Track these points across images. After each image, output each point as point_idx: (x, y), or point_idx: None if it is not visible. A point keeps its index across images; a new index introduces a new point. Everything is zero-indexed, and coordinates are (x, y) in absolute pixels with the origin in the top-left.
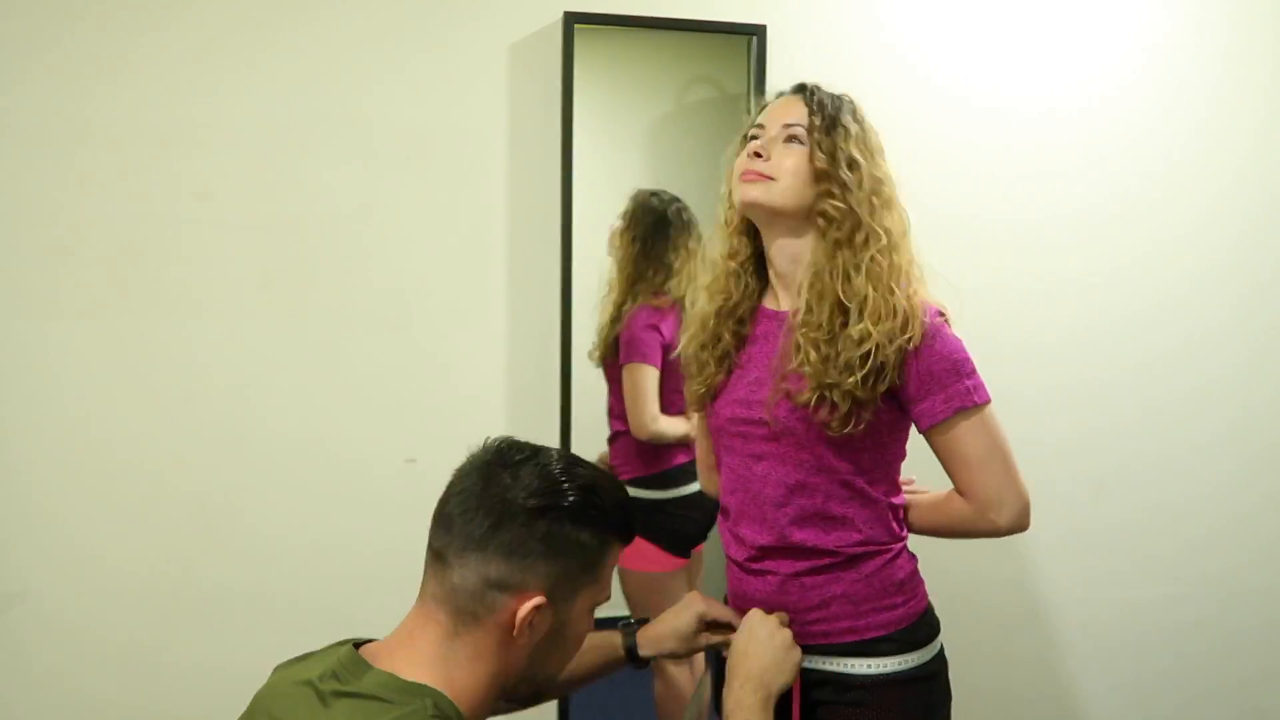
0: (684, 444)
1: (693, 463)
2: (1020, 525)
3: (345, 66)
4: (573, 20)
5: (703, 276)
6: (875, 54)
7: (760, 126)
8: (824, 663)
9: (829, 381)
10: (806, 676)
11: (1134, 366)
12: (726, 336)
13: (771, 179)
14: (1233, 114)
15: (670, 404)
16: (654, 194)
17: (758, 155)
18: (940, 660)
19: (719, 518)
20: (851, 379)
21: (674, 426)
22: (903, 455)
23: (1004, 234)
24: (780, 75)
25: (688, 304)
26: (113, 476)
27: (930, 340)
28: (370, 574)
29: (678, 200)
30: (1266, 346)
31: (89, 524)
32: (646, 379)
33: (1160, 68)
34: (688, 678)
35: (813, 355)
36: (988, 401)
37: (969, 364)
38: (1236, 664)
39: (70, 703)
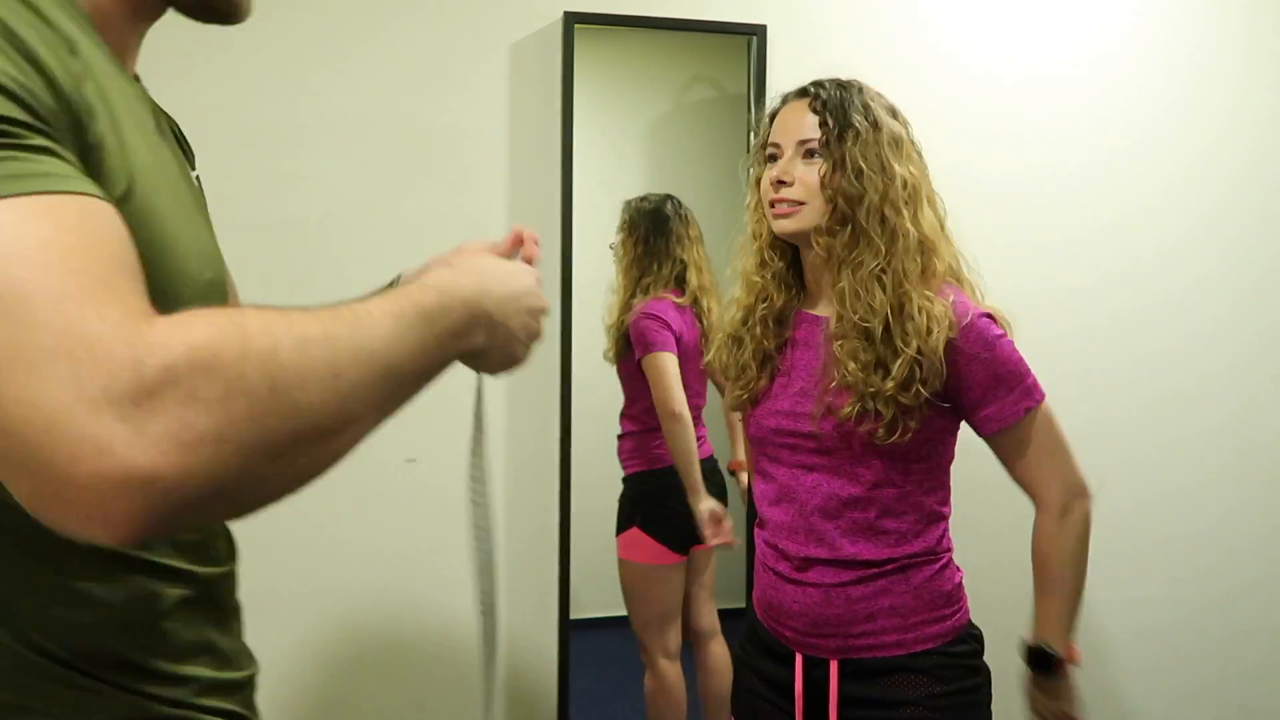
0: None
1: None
2: (1087, 502)
3: (345, 66)
4: (573, 20)
5: (735, 289)
6: (875, 54)
7: (776, 145)
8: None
9: (869, 390)
10: (848, 693)
11: (1132, 362)
12: (767, 339)
13: (802, 204)
14: (1238, 113)
15: None
16: (643, 198)
17: (782, 183)
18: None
19: (754, 527)
20: (890, 383)
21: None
22: (952, 459)
23: (1001, 234)
24: (780, 75)
25: (704, 304)
26: None
27: (990, 345)
28: (370, 574)
29: (670, 197)
30: (1265, 342)
31: None
32: (668, 364)
33: (1156, 67)
34: (677, 674)
35: (851, 365)
36: (1045, 395)
37: (1025, 362)
38: (1235, 658)
39: None
